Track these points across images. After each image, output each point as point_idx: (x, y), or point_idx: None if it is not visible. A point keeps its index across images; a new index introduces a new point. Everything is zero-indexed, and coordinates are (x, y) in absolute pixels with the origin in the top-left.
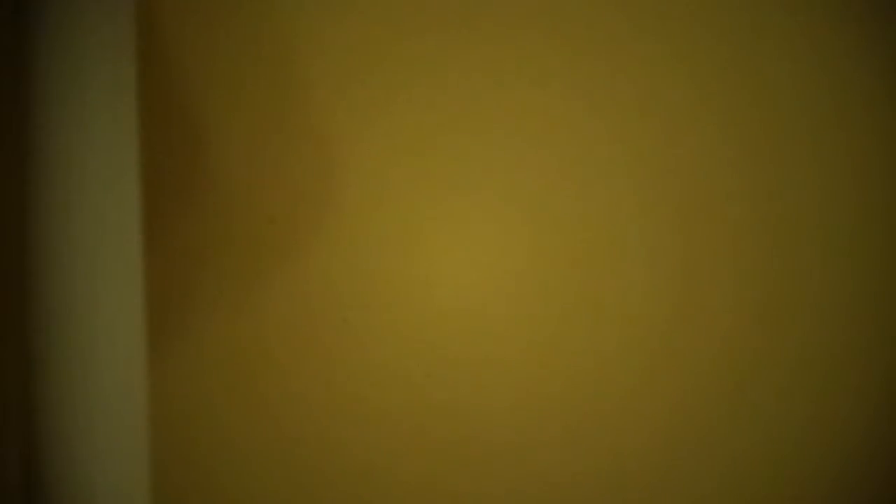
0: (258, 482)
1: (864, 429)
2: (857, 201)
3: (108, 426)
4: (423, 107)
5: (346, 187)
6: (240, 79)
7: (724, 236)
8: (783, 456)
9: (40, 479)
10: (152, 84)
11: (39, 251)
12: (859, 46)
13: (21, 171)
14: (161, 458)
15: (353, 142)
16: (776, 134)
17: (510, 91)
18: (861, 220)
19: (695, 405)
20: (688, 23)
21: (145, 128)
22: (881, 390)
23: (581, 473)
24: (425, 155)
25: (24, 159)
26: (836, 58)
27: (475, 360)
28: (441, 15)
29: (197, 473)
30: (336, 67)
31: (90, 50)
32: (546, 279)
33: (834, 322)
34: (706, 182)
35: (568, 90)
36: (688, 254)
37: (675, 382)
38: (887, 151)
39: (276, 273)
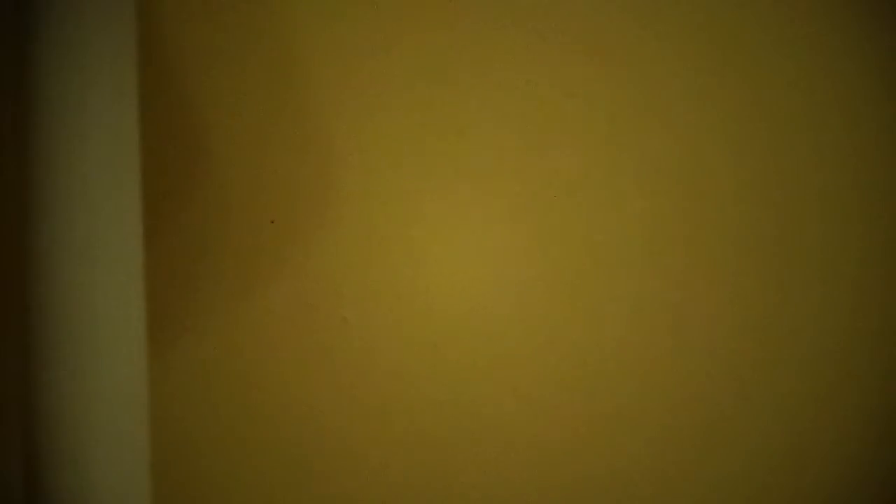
0: (258, 482)
1: (865, 430)
2: (859, 200)
3: (108, 426)
4: (423, 107)
5: (346, 187)
6: (240, 79)
7: (725, 236)
8: (784, 457)
9: (40, 479)
10: (153, 85)
11: (39, 251)
12: (860, 45)
13: (22, 172)
14: (161, 458)
15: (353, 142)
16: (777, 134)
17: (511, 92)
18: (863, 220)
19: (696, 407)
20: (687, 22)
21: (146, 128)
22: (882, 392)
23: (582, 474)
24: (425, 155)
25: (25, 159)
26: (837, 56)
27: (476, 359)
28: (442, 15)
29: (197, 473)
30: (336, 67)
31: (91, 50)
32: (547, 279)
33: (835, 323)
34: (708, 182)
35: (569, 91)
36: (689, 254)
37: (676, 384)
38: (889, 150)
39: (276, 273)
